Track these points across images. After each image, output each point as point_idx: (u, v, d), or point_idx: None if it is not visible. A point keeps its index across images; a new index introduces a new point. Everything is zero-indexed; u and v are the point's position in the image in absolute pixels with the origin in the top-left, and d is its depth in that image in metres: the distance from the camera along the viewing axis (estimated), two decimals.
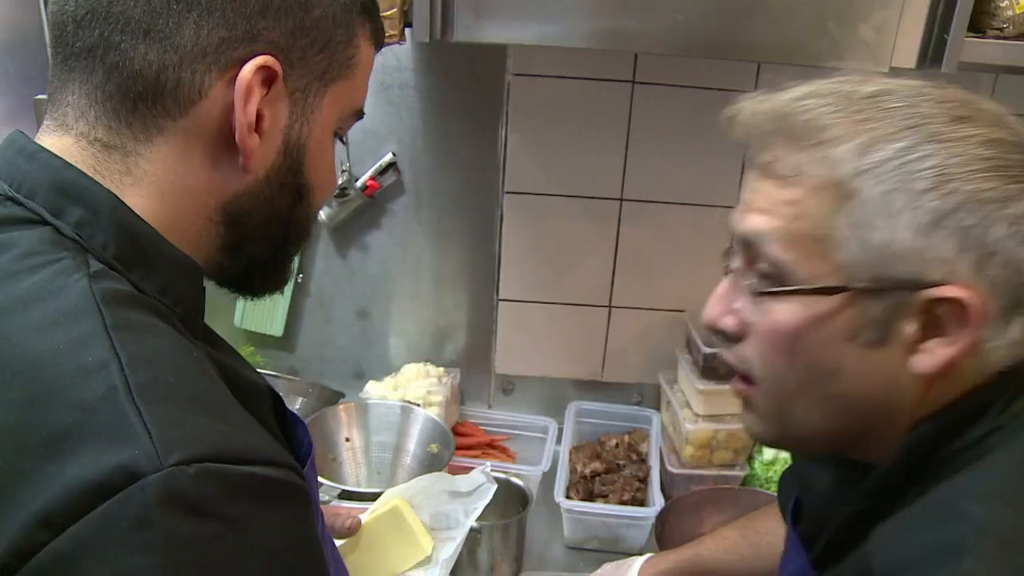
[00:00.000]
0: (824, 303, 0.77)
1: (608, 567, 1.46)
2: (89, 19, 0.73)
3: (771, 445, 0.91)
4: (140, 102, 0.74)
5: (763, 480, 1.86)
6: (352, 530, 1.23)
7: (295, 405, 1.87)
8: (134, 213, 0.75)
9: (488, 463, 1.38)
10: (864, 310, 0.76)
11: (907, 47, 1.37)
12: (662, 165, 1.90)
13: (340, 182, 1.87)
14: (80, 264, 0.71)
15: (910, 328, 0.75)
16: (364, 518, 1.24)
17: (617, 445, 1.94)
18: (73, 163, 0.74)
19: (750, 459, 1.89)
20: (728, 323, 0.84)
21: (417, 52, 1.83)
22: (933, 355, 0.76)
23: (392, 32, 1.40)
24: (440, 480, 1.31)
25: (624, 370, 2.09)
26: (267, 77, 0.76)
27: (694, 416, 1.85)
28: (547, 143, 1.89)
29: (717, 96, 1.83)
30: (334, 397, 1.91)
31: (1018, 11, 1.39)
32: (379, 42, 0.88)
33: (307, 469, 0.86)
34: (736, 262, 0.84)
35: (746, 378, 0.85)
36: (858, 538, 0.80)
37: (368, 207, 1.93)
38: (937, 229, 0.72)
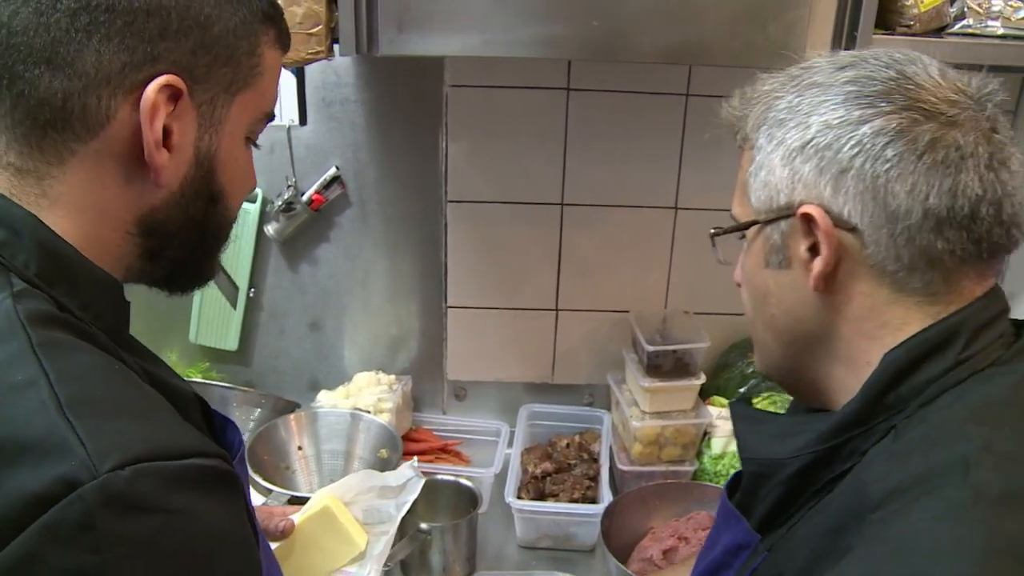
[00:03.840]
0: (751, 238, 0.93)
1: None
2: None
3: (769, 379, 1.01)
4: (49, 128, 0.76)
5: (712, 474, 1.89)
6: (285, 532, 1.25)
7: (250, 416, 1.90)
8: (54, 233, 0.77)
9: (415, 458, 1.41)
10: (768, 238, 0.89)
11: (819, 46, 1.42)
12: (600, 169, 1.94)
13: (287, 197, 1.91)
14: (3, 284, 0.73)
15: (801, 250, 0.86)
16: (296, 519, 1.26)
17: (568, 445, 1.97)
18: None
19: (699, 454, 1.92)
20: (735, 275, 0.99)
21: (357, 67, 1.87)
22: (813, 272, 0.85)
23: (319, 48, 1.44)
24: (370, 477, 1.34)
25: (574, 372, 2.13)
26: (172, 95, 0.78)
27: (641, 414, 1.89)
28: (487, 152, 1.93)
29: (650, 100, 1.89)
30: (288, 407, 1.94)
31: (923, 9, 1.44)
32: (285, 45, 0.90)
33: (236, 465, 0.87)
34: None
35: None
36: (809, 488, 0.86)
37: (315, 221, 1.97)
38: (798, 159, 0.84)
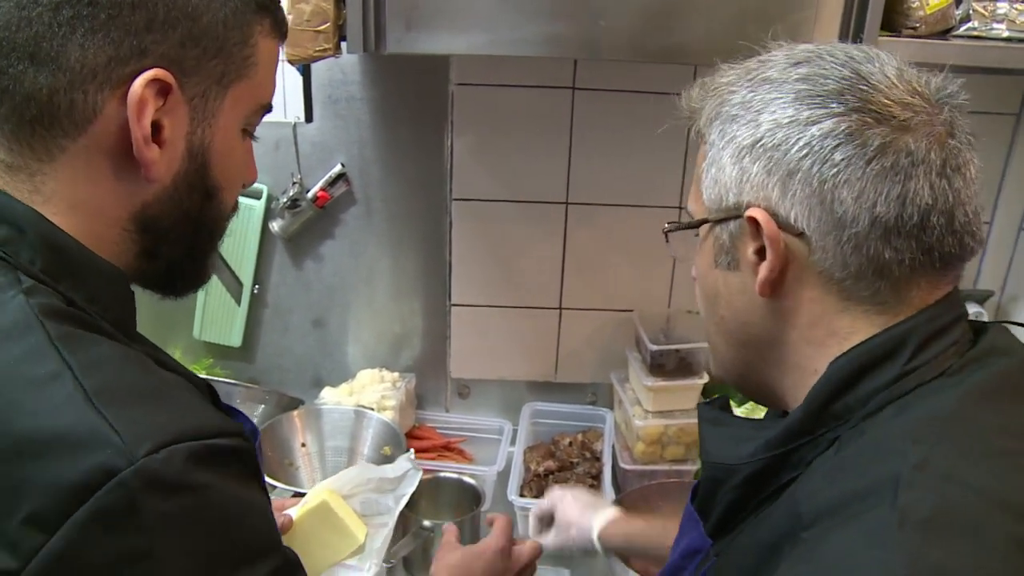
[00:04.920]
0: (702, 236, 0.90)
1: (576, 504, 1.52)
2: None
3: (719, 379, 0.97)
4: (37, 125, 0.75)
5: None
6: (284, 528, 1.25)
7: (254, 412, 1.90)
8: (56, 227, 0.77)
9: (412, 450, 1.42)
10: (717, 238, 0.87)
11: None
12: (605, 168, 1.95)
13: (292, 193, 1.92)
14: (12, 281, 0.73)
15: (749, 252, 0.83)
16: (294, 514, 1.27)
17: (571, 444, 1.98)
18: None
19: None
20: (693, 272, 0.95)
21: (363, 65, 1.87)
22: (759, 277, 0.82)
23: (327, 46, 1.44)
24: (367, 470, 1.35)
25: (577, 371, 2.13)
26: (161, 89, 0.77)
27: (644, 413, 1.89)
28: (492, 150, 1.94)
29: (656, 99, 1.89)
30: (292, 404, 1.94)
31: (929, 11, 1.45)
32: (282, 34, 0.89)
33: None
34: None
35: None
36: (758, 495, 0.84)
37: (320, 218, 1.97)
38: (748, 158, 0.82)
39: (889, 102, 0.78)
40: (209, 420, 0.74)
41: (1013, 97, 1.91)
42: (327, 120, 1.91)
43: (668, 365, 1.88)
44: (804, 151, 0.78)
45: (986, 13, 1.49)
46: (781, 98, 0.81)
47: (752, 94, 0.83)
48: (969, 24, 1.49)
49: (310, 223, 1.97)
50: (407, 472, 1.36)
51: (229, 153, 0.86)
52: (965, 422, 0.76)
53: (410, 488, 1.35)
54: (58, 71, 0.74)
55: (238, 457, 0.74)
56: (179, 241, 0.86)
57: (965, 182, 0.79)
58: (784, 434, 0.82)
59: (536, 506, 1.62)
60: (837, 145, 0.77)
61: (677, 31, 1.42)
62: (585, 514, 1.50)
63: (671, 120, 0.93)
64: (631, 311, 2.02)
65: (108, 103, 0.76)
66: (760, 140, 0.80)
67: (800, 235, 0.80)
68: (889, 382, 0.79)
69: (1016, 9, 1.50)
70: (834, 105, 0.78)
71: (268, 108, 0.90)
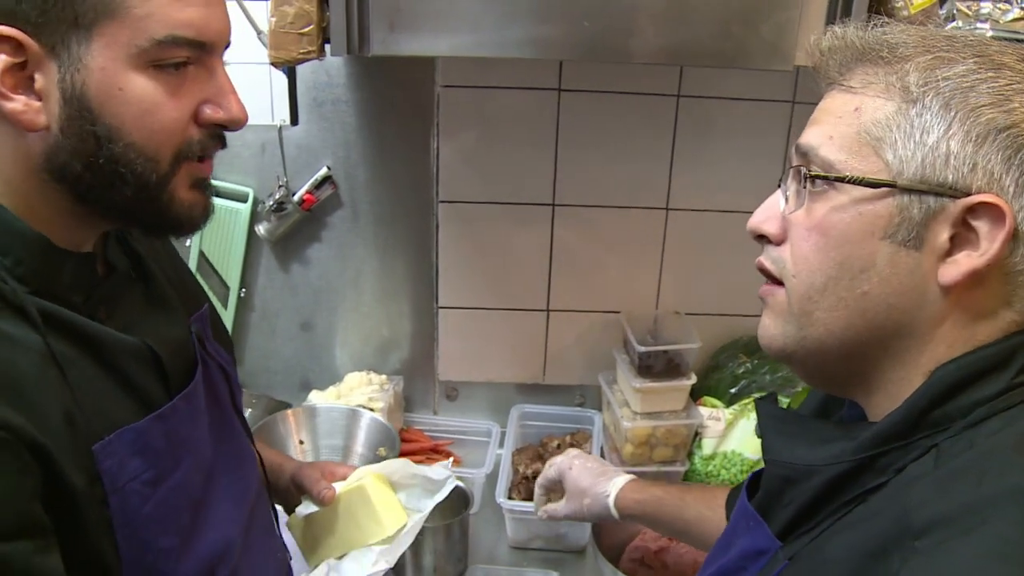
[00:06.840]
0: (867, 197, 0.80)
1: (586, 474, 1.51)
2: None
3: (784, 356, 0.89)
4: None
5: (703, 475, 1.89)
6: (324, 500, 1.29)
7: None
8: None
9: (451, 460, 1.43)
10: (903, 208, 0.78)
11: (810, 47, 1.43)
12: (591, 169, 1.95)
13: (278, 196, 1.91)
14: None
15: (943, 236, 0.77)
16: (338, 490, 1.31)
17: (559, 446, 1.97)
18: None
19: (690, 455, 1.92)
20: (770, 227, 0.88)
21: (348, 67, 1.87)
22: (959, 265, 0.77)
23: (311, 48, 1.44)
24: (410, 466, 1.37)
25: (565, 372, 2.13)
26: (14, 46, 0.81)
27: (632, 414, 1.89)
28: (478, 152, 1.93)
29: (642, 100, 1.89)
30: (279, 408, 1.93)
31: (913, 11, 1.45)
32: None
33: (179, 400, 0.98)
34: (788, 176, 0.87)
35: (775, 281, 0.88)
36: (839, 498, 0.82)
37: (307, 221, 1.97)
38: (989, 141, 0.76)
39: None
40: None
41: None
42: (313, 123, 1.90)
43: (656, 366, 1.88)
44: None
45: (970, 13, 1.50)
46: None
47: (994, 75, 0.77)
48: (953, 24, 1.50)
49: (296, 226, 1.97)
50: (447, 479, 1.36)
51: (118, 94, 0.86)
52: None
53: (442, 495, 1.36)
54: None
55: None
56: (106, 186, 0.89)
57: None
58: (878, 436, 0.80)
59: (542, 475, 1.59)
60: None
61: (662, 33, 1.42)
62: (598, 482, 1.48)
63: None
64: (618, 312, 2.02)
65: None
66: (1011, 128, 0.76)
67: (1015, 236, 0.77)
68: (994, 395, 0.77)
69: (1000, 9, 1.51)
70: None
71: (181, 40, 0.86)
